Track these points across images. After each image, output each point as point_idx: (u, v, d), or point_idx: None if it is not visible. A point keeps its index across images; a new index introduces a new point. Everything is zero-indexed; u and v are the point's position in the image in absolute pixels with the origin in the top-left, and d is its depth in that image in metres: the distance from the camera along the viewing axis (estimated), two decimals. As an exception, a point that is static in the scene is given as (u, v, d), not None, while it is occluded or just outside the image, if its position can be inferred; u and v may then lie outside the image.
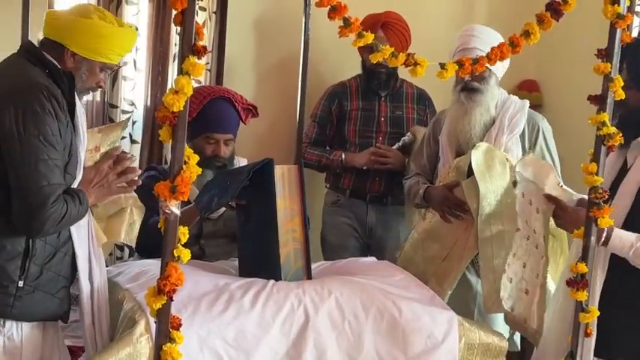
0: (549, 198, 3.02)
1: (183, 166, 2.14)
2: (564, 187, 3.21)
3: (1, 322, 2.55)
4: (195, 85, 4.12)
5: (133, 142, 4.12)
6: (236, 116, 3.35)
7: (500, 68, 3.54)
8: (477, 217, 3.35)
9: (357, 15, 3.85)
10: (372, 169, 4.13)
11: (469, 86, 3.52)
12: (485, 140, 3.50)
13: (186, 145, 2.17)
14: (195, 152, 3.15)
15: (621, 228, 2.79)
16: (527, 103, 3.61)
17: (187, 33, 2.10)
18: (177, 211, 2.17)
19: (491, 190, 3.27)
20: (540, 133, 3.55)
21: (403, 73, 2.52)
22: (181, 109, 2.10)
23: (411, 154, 4.05)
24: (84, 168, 2.66)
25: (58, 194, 2.45)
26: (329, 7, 2.29)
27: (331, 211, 4.28)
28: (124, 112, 4.06)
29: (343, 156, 4.17)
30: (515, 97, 3.64)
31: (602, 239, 2.74)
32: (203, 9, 4.18)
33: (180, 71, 2.11)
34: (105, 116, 4.02)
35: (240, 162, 3.42)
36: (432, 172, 3.73)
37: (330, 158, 4.19)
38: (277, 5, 4.35)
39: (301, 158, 4.26)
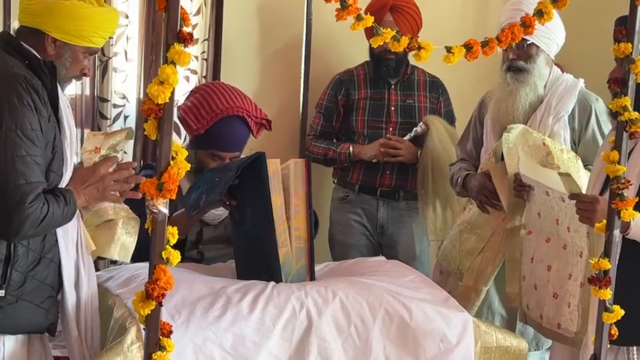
0: (572, 197, 3.00)
1: (171, 162, 2.13)
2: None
3: None
4: (190, 74, 4.19)
5: (125, 137, 4.13)
6: (247, 134, 3.34)
7: (553, 46, 3.55)
8: (506, 205, 3.37)
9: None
10: (382, 162, 4.14)
11: (514, 65, 3.54)
12: (529, 122, 3.52)
13: (174, 140, 2.16)
14: (197, 163, 3.23)
15: None
16: (580, 82, 3.60)
17: (172, 19, 2.10)
18: (165, 210, 2.16)
19: (538, 175, 3.25)
20: (593, 115, 3.54)
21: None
22: (167, 100, 2.10)
23: (424, 145, 4.10)
24: (80, 167, 2.66)
25: (37, 193, 2.44)
26: (323, -11, 2.28)
27: (339, 208, 4.29)
28: (115, 106, 4.07)
29: (351, 148, 4.18)
30: (569, 76, 3.64)
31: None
32: (198, -6, 4.20)
33: (165, 60, 2.10)
34: (95, 111, 4.03)
35: None
36: (478, 157, 3.75)
37: (336, 151, 4.20)
38: (277, -12, 4.39)
39: (305, 151, 4.30)
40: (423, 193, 4.13)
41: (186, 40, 2.12)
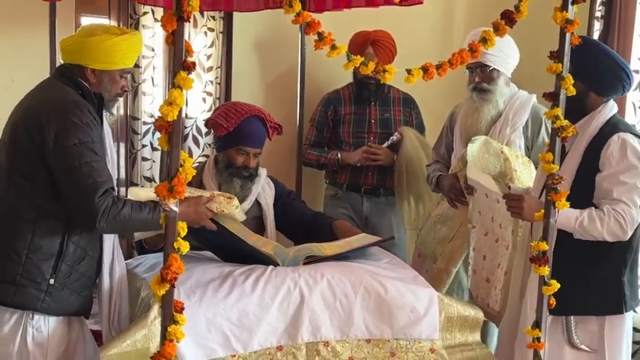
0: (505, 196, 2.99)
1: (180, 169, 2.13)
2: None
3: (31, 316, 2.57)
4: (207, 96, 4.20)
5: (154, 149, 4.14)
6: (265, 133, 3.33)
7: (510, 67, 3.53)
8: (470, 203, 3.39)
9: (347, 29, 3.86)
10: (365, 165, 4.14)
11: (479, 87, 3.52)
12: (490, 133, 3.49)
13: (181, 150, 2.15)
14: (227, 161, 3.21)
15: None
16: (533, 97, 3.57)
17: (178, 51, 2.10)
18: (176, 208, 2.17)
19: (480, 179, 3.25)
20: (543, 125, 3.51)
21: (396, 80, 2.51)
22: (175, 118, 2.09)
23: (399, 151, 4.09)
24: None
25: (104, 189, 2.48)
26: (305, 24, 2.28)
27: (331, 203, 4.28)
28: (144, 123, 4.09)
29: (339, 155, 4.18)
30: (523, 92, 3.60)
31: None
32: (212, 30, 4.18)
33: (173, 85, 2.10)
34: (128, 127, 4.06)
35: (262, 172, 3.40)
36: (449, 159, 3.73)
37: (327, 157, 4.20)
38: (277, 24, 4.32)
39: (302, 158, 4.31)
40: (399, 190, 4.12)
41: (190, 68, 2.10)
